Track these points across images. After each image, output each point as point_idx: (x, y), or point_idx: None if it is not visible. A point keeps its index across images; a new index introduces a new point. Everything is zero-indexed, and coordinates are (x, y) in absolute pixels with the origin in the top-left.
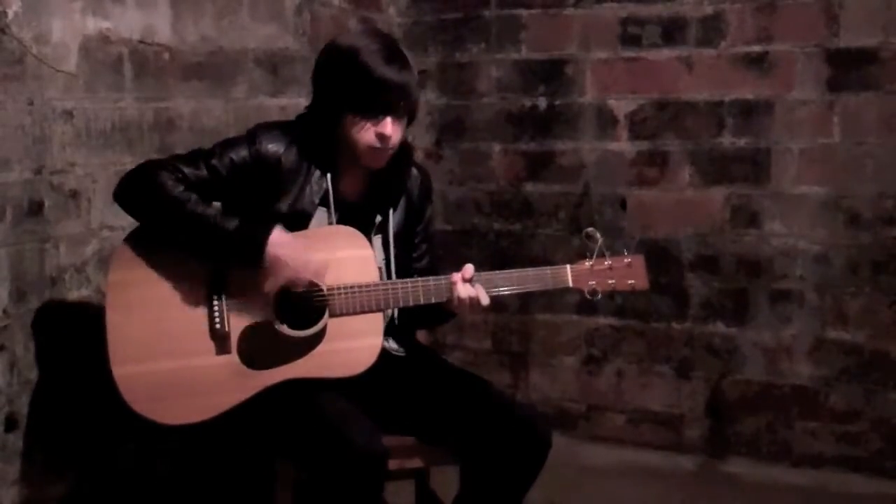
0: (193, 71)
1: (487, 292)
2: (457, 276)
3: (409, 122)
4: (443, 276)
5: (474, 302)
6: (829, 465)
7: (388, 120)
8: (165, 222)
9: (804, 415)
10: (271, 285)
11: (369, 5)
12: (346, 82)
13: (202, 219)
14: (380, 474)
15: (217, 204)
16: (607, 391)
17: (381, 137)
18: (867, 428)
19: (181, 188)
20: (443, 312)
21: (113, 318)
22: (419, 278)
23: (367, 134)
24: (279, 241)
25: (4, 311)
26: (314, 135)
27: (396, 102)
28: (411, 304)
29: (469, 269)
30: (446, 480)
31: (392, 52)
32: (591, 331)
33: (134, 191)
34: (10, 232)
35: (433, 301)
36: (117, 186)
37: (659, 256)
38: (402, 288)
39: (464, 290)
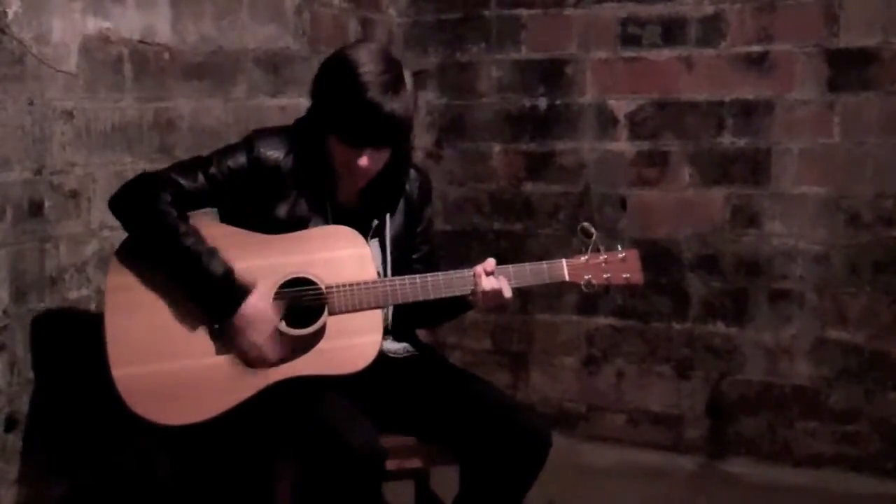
0: (193, 71)
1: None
2: (479, 269)
3: (400, 148)
4: (462, 270)
5: (497, 293)
6: (829, 465)
7: (367, 152)
8: (155, 246)
9: (804, 415)
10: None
11: (369, 5)
12: (333, 104)
13: (190, 255)
14: (378, 475)
15: (210, 245)
16: (607, 391)
17: (357, 168)
18: (867, 428)
19: (175, 214)
20: (458, 306)
21: (112, 321)
22: (439, 273)
23: (343, 158)
24: (250, 313)
25: (4, 311)
26: (311, 141)
27: (378, 136)
28: (429, 297)
29: (491, 262)
30: (446, 480)
31: (387, 82)
32: (591, 331)
33: (130, 208)
34: (10, 232)
35: (453, 294)
36: (114, 199)
37: (659, 256)
38: (401, 284)
39: (487, 283)
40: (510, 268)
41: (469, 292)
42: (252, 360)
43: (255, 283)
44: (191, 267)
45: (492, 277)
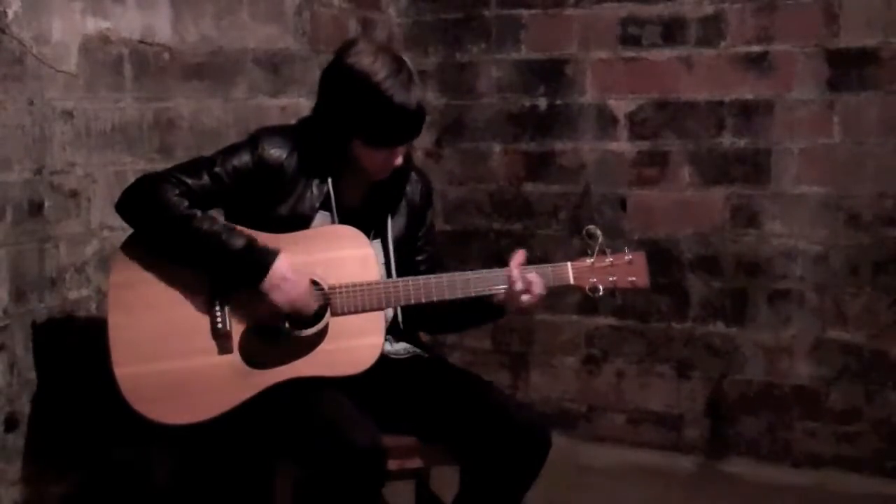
0: (193, 71)
1: (488, 291)
2: (515, 271)
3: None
4: (483, 271)
5: (532, 289)
6: (829, 465)
7: (399, 150)
8: (170, 238)
9: (804, 415)
10: (264, 309)
11: (369, 5)
12: (357, 113)
13: (208, 236)
14: (379, 473)
15: (222, 220)
16: (607, 391)
17: (391, 165)
18: (867, 428)
19: (186, 203)
20: (487, 311)
21: (115, 319)
22: (443, 275)
23: (375, 160)
24: (282, 271)
25: (4, 311)
26: (318, 142)
27: (408, 135)
28: (431, 300)
29: (521, 253)
30: (446, 480)
31: (403, 80)
32: (591, 331)
33: (138, 206)
34: (10, 232)
35: (455, 297)
36: (120, 200)
37: (659, 256)
38: (404, 286)
39: (520, 281)
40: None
41: (486, 294)
42: (296, 314)
43: (279, 248)
44: (212, 247)
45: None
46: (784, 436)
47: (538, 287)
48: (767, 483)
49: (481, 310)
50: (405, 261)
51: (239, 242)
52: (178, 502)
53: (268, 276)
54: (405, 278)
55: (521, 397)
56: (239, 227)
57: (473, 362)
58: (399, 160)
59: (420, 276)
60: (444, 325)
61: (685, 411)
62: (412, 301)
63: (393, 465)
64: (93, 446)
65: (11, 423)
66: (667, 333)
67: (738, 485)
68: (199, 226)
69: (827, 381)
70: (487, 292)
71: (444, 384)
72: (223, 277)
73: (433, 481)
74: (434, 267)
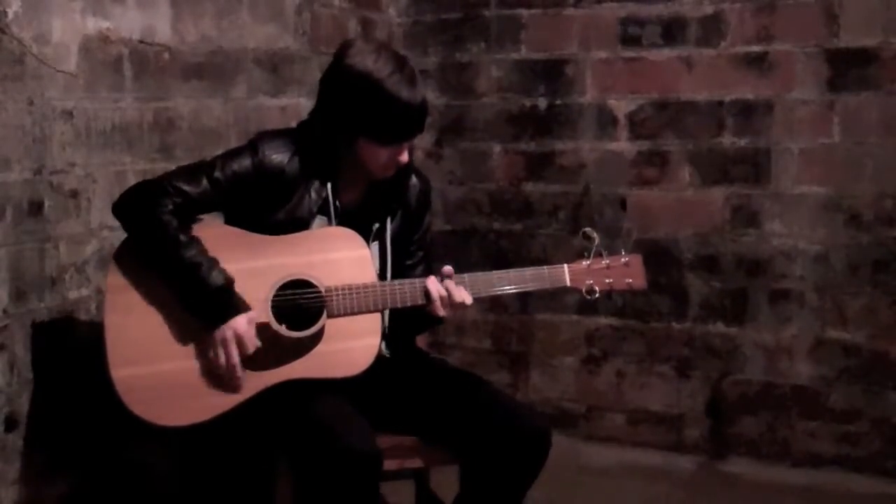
0: (193, 71)
1: (486, 292)
2: (431, 277)
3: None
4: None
5: (453, 302)
6: (829, 465)
7: (405, 146)
8: (154, 255)
9: (804, 415)
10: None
11: (369, 5)
12: (363, 112)
13: (188, 265)
14: (374, 475)
15: (212, 255)
16: (607, 391)
17: (398, 162)
18: (867, 428)
19: (176, 223)
20: (427, 316)
21: (112, 320)
22: (411, 279)
23: (381, 158)
24: (233, 333)
25: (4, 311)
26: (317, 145)
27: (413, 130)
28: (409, 304)
29: (447, 268)
30: (446, 480)
31: (407, 77)
32: (591, 331)
33: (131, 216)
34: (10, 232)
35: (419, 302)
36: (116, 204)
37: (659, 256)
38: (400, 287)
39: (435, 289)
40: (511, 272)
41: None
42: (219, 377)
43: (251, 307)
44: (188, 277)
45: (439, 284)
46: (784, 436)
47: (457, 296)
48: (767, 483)
49: (426, 316)
50: (397, 263)
51: (218, 280)
52: (177, 503)
53: (220, 328)
54: (401, 280)
55: (521, 397)
56: (222, 267)
57: (473, 362)
58: (405, 156)
59: (416, 279)
60: (409, 328)
61: (685, 411)
62: (408, 303)
63: (393, 465)
64: (92, 447)
65: (11, 423)
66: (667, 333)
67: (738, 485)
68: (183, 253)
69: (827, 381)
70: (492, 292)
71: (444, 384)
72: (186, 302)
73: (433, 481)
74: (425, 272)
